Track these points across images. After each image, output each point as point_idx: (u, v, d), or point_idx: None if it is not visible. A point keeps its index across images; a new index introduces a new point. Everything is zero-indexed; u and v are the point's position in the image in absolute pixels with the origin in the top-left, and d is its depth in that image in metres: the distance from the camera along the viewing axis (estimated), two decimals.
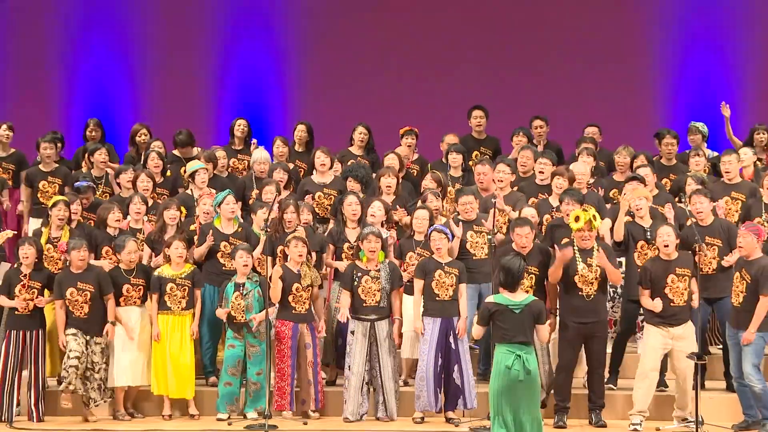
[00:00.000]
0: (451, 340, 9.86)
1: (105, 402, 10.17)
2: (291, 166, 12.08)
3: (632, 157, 11.67)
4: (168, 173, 11.95)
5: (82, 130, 13.17)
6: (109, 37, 15.46)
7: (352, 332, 10.02)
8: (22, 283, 10.04)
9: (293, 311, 10.03)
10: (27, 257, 10.06)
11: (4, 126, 12.40)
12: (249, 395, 10.10)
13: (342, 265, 10.40)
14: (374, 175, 11.48)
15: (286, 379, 10.02)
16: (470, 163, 12.25)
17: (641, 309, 9.95)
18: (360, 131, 12.45)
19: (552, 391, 9.88)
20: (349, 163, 11.95)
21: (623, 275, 10.17)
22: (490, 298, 8.32)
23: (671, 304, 9.60)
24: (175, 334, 10.18)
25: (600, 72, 14.68)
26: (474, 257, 10.38)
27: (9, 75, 15.42)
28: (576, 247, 9.76)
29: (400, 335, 10.20)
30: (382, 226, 10.60)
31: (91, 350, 10.04)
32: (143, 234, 10.75)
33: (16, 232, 11.24)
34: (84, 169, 12.19)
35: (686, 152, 12.16)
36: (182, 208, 10.89)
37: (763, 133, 12.14)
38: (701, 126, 12.52)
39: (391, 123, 12.85)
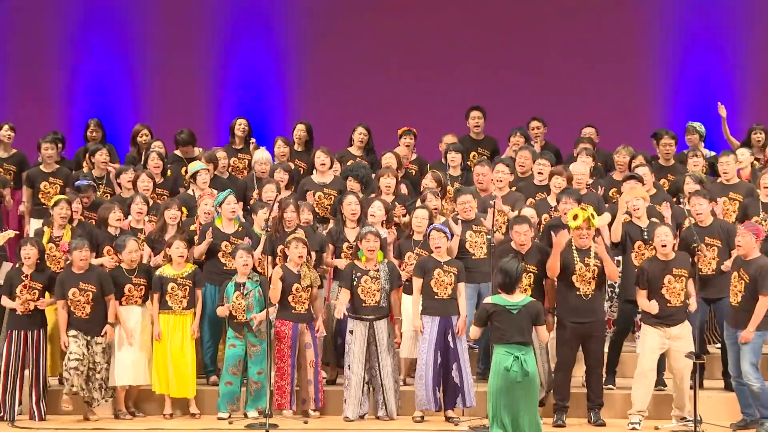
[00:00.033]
0: (450, 338, 9.88)
1: (106, 401, 10.20)
2: (292, 166, 12.11)
3: (631, 157, 11.71)
4: (168, 173, 11.98)
5: (82, 131, 13.21)
6: (110, 38, 15.47)
7: (351, 332, 10.04)
8: (23, 283, 10.07)
9: (293, 311, 10.06)
10: (29, 257, 10.10)
11: (6, 126, 12.44)
12: (250, 394, 10.14)
13: (342, 263, 10.44)
14: (373, 175, 11.50)
15: (286, 378, 10.05)
16: (468, 163, 12.29)
17: (638, 309, 9.98)
18: (360, 132, 12.48)
19: (551, 390, 9.92)
20: (348, 163, 11.98)
21: (620, 275, 10.19)
22: (488, 299, 8.35)
23: (668, 304, 9.62)
24: (176, 333, 10.21)
25: (598, 72, 14.69)
26: (473, 257, 10.41)
27: (9, 75, 15.42)
28: (574, 247, 9.78)
29: (401, 335, 10.25)
30: (383, 225, 10.64)
31: (92, 350, 10.07)
32: (144, 234, 10.77)
33: (17, 232, 11.27)
34: (85, 170, 12.22)
35: (684, 152, 12.20)
36: (183, 209, 10.92)
37: (760, 133, 12.17)
38: (699, 126, 12.55)
39: (390, 123, 12.87)
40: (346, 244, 10.56)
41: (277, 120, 15.01)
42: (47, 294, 10.16)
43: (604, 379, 10.03)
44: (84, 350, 9.99)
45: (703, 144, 12.48)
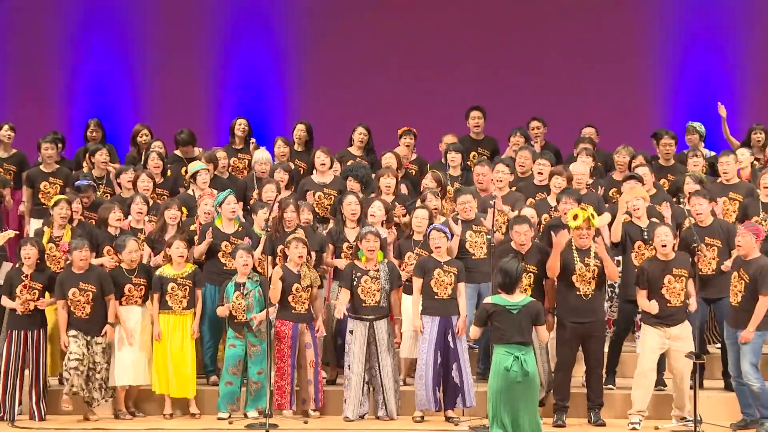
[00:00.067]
0: (450, 338, 9.89)
1: (106, 401, 10.20)
2: (292, 166, 12.12)
3: (631, 157, 11.71)
4: (168, 173, 11.99)
5: (82, 131, 13.22)
6: (109, 38, 15.47)
7: (351, 332, 10.05)
8: (23, 283, 10.07)
9: (293, 311, 10.07)
10: (29, 257, 10.10)
11: (6, 126, 12.45)
12: (250, 394, 10.14)
13: (342, 263, 10.44)
14: (373, 175, 11.51)
15: (286, 378, 10.06)
16: (468, 163, 12.30)
17: (638, 309, 9.98)
18: (360, 132, 12.49)
19: (551, 390, 9.92)
20: (348, 163, 11.98)
21: (620, 275, 10.20)
22: (488, 299, 8.36)
23: (668, 304, 9.62)
24: (177, 333, 10.22)
25: (598, 72, 14.70)
26: (473, 257, 10.42)
27: (9, 75, 15.43)
28: (574, 247, 9.79)
29: (401, 335, 10.25)
30: (383, 225, 10.64)
31: (92, 350, 10.07)
32: (144, 234, 10.78)
33: (17, 232, 11.28)
34: (85, 169, 12.23)
35: (684, 152, 12.21)
36: (183, 209, 10.93)
37: (760, 133, 12.18)
38: (698, 126, 12.56)
39: (390, 123, 12.88)
40: (346, 244, 10.57)
41: (277, 120, 15.02)
42: (47, 294, 10.16)
43: (604, 379, 10.03)
44: (84, 350, 10.00)
45: (702, 144, 12.50)
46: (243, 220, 11.00)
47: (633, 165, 11.46)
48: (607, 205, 10.93)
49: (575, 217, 9.75)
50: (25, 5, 15.41)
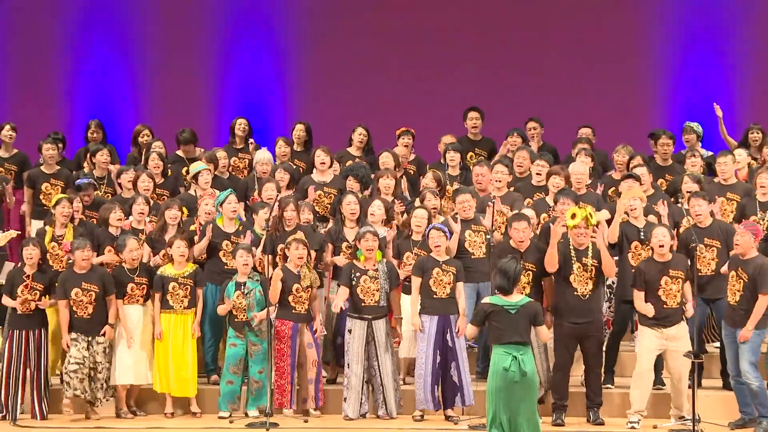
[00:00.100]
0: (449, 338, 9.92)
1: (107, 400, 10.23)
2: (294, 166, 12.16)
3: (630, 157, 11.75)
4: (169, 173, 12.02)
5: (82, 131, 13.26)
6: (110, 38, 15.49)
7: (350, 331, 10.08)
8: (24, 283, 10.10)
9: (293, 311, 10.10)
10: (31, 257, 10.13)
11: (7, 127, 12.49)
12: (251, 393, 10.17)
13: (341, 260, 10.47)
14: (372, 176, 11.55)
15: (285, 377, 10.09)
16: (465, 163, 12.33)
17: (635, 309, 10.02)
18: (359, 132, 12.52)
19: (550, 389, 9.95)
20: (348, 163, 12.02)
21: (616, 275, 10.22)
22: (486, 299, 8.37)
23: (664, 306, 9.64)
24: (178, 332, 10.25)
25: (598, 73, 14.73)
26: (472, 256, 10.44)
27: (10, 75, 15.45)
28: (571, 246, 9.81)
29: (401, 334, 10.29)
30: (382, 224, 10.68)
31: (93, 350, 10.10)
32: (145, 234, 10.80)
33: (20, 232, 11.32)
34: (86, 170, 12.27)
35: (682, 152, 12.25)
36: (184, 209, 10.96)
37: (757, 133, 12.22)
38: (696, 126, 12.60)
39: (390, 123, 12.89)
40: (345, 244, 10.60)
41: (278, 120, 15.04)
42: (47, 295, 10.18)
43: (602, 378, 10.07)
44: (84, 353, 10.02)
45: (700, 144, 12.53)
46: (244, 219, 11.03)
47: (631, 165, 11.49)
48: (606, 204, 10.96)
49: (573, 216, 9.77)
50: (25, 5, 15.43)
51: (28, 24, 15.38)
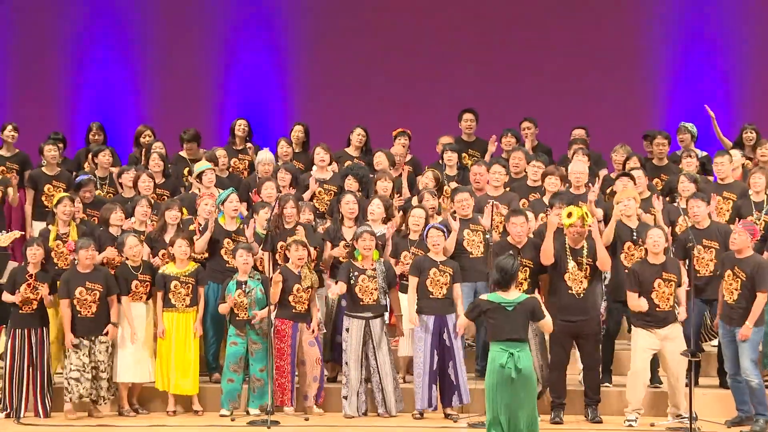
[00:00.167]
0: (445, 337, 9.98)
1: (111, 398, 10.27)
2: (296, 165, 12.23)
3: (627, 157, 11.80)
4: (170, 173, 12.08)
5: (84, 131, 13.31)
6: (111, 39, 15.49)
7: (347, 330, 10.14)
8: (27, 282, 10.15)
9: (293, 310, 10.16)
10: (35, 257, 10.19)
11: (9, 127, 12.53)
12: (252, 391, 10.22)
13: (340, 251, 10.52)
14: (371, 176, 11.62)
15: (286, 376, 10.14)
16: (462, 163, 12.40)
17: (627, 310, 10.05)
18: (358, 133, 12.55)
19: (547, 387, 9.98)
20: (346, 163, 12.09)
21: (608, 277, 10.26)
22: (484, 296, 8.38)
23: (657, 308, 9.67)
24: (180, 331, 10.31)
25: (596, 73, 14.75)
26: (470, 255, 10.50)
27: (10, 75, 15.48)
28: (567, 245, 9.86)
29: (401, 332, 10.37)
30: (382, 223, 10.75)
31: (96, 350, 10.17)
32: (145, 234, 10.85)
33: (23, 233, 11.37)
34: (86, 170, 12.32)
35: (677, 153, 12.32)
36: (184, 209, 11.02)
37: (752, 132, 12.25)
38: (691, 126, 12.65)
39: (390, 123, 12.88)
40: (342, 243, 10.65)
41: (278, 120, 15.07)
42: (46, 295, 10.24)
43: (600, 376, 10.13)
44: (85, 360, 10.07)
45: (694, 144, 12.59)
46: (245, 214, 11.10)
47: (627, 166, 11.49)
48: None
49: (569, 215, 9.82)
50: (26, 5, 15.44)
51: (29, 24, 15.39)
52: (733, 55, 14.85)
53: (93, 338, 10.14)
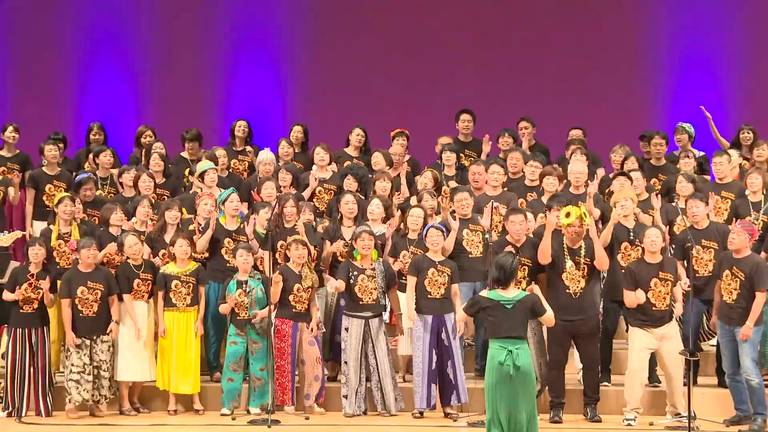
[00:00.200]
0: (444, 336, 10.01)
1: (112, 396, 10.30)
2: (297, 165, 12.26)
3: (625, 157, 11.83)
4: (170, 174, 12.11)
5: (84, 132, 13.33)
6: (111, 39, 15.51)
7: (346, 329, 10.18)
8: (29, 282, 10.19)
9: (293, 310, 10.19)
10: (36, 257, 10.22)
11: (10, 128, 12.54)
12: (253, 390, 10.26)
13: (339, 247, 10.55)
14: (370, 176, 11.65)
15: (286, 375, 10.17)
16: (461, 163, 12.44)
17: (623, 310, 10.09)
18: (357, 133, 12.58)
19: (546, 386, 10.01)
20: (345, 164, 12.13)
21: (605, 277, 10.28)
22: (484, 293, 8.39)
23: (653, 308, 9.70)
24: (181, 330, 10.35)
25: (595, 73, 14.78)
26: (469, 255, 10.53)
27: (11, 76, 15.49)
28: (565, 245, 9.90)
29: (402, 332, 10.41)
30: (382, 222, 10.79)
31: (99, 348, 10.20)
32: (144, 235, 10.87)
33: (25, 233, 11.40)
34: (86, 169, 12.35)
35: (674, 153, 12.36)
36: (183, 209, 11.05)
37: (749, 133, 12.29)
38: (688, 126, 12.68)
39: (390, 123, 12.88)
40: (342, 242, 10.69)
41: (277, 121, 15.09)
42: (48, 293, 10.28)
43: (599, 375, 10.16)
44: (85, 360, 10.11)
45: (691, 144, 12.63)
46: (246, 211, 11.13)
47: (625, 167, 11.49)
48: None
49: (568, 215, 9.85)
50: (26, 5, 15.45)
51: (29, 24, 15.40)
52: (731, 56, 14.86)
53: (95, 338, 10.18)
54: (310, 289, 10.23)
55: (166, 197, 11.65)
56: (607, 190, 11.51)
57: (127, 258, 10.39)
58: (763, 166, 11.49)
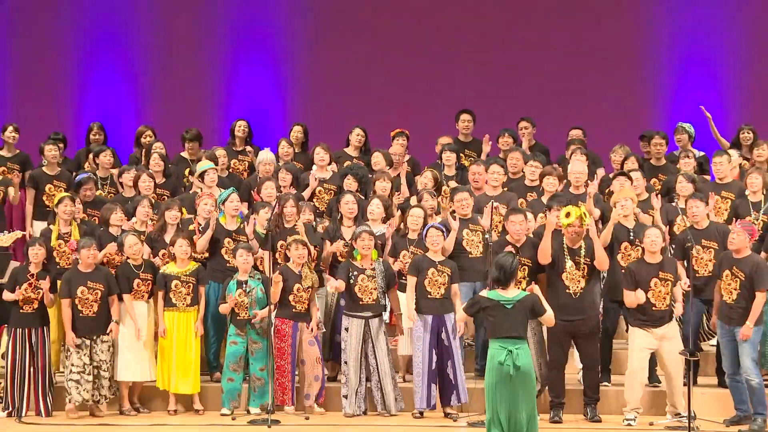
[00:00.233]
0: (444, 336, 10.02)
1: (112, 396, 10.31)
2: (297, 165, 12.27)
3: (625, 157, 11.84)
4: (170, 174, 12.12)
5: (84, 132, 13.34)
6: (111, 39, 15.52)
7: (346, 329, 10.19)
8: (29, 282, 10.19)
9: (293, 310, 10.20)
10: (36, 257, 10.23)
11: (10, 128, 12.56)
12: (253, 390, 10.26)
13: (339, 247, 10.57)
14: (370, 176, 11.66)
15: (286, 375, 10.19)
16: (461, 162, 12.45)
17: (622, 310, 10.09)
18: (357, 133, 12.59)
19: (546, 386, 10.02)
20: (345, 164, 12.14)
21: (605, 277, 10.29)
22: (484, 293, 8.40)
23: (653, 308, 9.71)
24: (181, 330, 10.36)
25: (596, 73, 14.79)
26: (469, 255, 10.54)
27: (10, 76, 15.50)
28: (565, 245, 9.91)
29: (402, 332, 10.42)
30: (382, 222, 10.80)
31: (99, 348, 10.21)
32: (144, 235, 10.88)
33: (25, 233, 11.41)
34: (87, 169, 12.36)
35: (674, 153, 12.36)
36: (183, 209, 11.06)
37: (748, 133, 12.30)
38: (688, 126, 12.70)
39: (390, 124, 12.90)
40: (342, 242, 10.70)
41: (277, 121, 15.10)
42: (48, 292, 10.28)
43: (599, 375, 10.16)
44: (86, 360, 10.12)
45: (691, 144, 12.64)
46: (246, 211, 11.14)
47: (625, 167, 11.49)
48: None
49: (568, 214, 9.86)
50: (26, 5, 15.46)
51: (29, 24, 15.41)
52: (731, 56, 14.87)
53: (95, 338, 10.19)
54: (310, 289, 10.24)
55: (166, 197, 11.67)
56: (607, 190, 11.52)
57: (127, 258, 10.39)
58: (762, 166, 11.50)
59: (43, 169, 12.17)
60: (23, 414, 10.17)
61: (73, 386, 10.06)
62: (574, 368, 10.37)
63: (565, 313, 9.72)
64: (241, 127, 12.89)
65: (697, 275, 10.08)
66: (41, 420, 10.13)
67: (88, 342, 10.15)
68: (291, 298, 10.18)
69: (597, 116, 14.05)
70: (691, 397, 9.31)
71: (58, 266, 10.59)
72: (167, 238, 10.69)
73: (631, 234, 10.23)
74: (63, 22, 15.53)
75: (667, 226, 10.48)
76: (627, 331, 10.39)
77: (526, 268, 9.99)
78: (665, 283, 9.74)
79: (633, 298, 9.72)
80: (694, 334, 10.11)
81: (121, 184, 11.87)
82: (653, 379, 10.31)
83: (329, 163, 11.96)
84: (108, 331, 10.20)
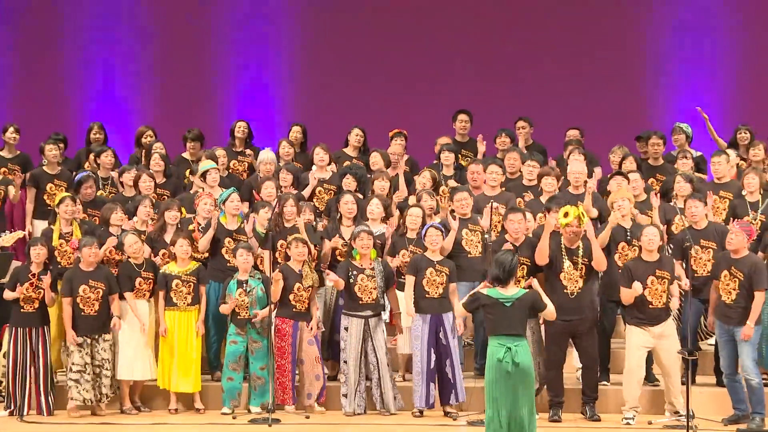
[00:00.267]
0: (442, 336, 10.05)
1: (113, 395, 10.33)
2: (298, 165, 12.30)
3: (623, 157, 11.86)
4: (170, 174, 12.15)
5: (84, 132, 13.36)
6: (112, 39, 15.54)
7: (346, 328, 10.21)
8: (30, 281, 10.22)
9: (293, 309, 10.23)
10: (38, 257, 10.26)
11: (11, 129, 12.57)
12: (254, 389, 10.29)
13: (336, 243, 10.59)
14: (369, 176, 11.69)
15: (286, 374, 10.21)
16: (459, 162, 12.47)
17: (619, 310, 10.12)
18: (356, 133, 12.62)
19: (545, 385, 10.04)
20: (345, 164, 12.16)
21: (602, 277, 10.33)
22: (483, 290, 8.41)
23: (650, 306, 9.73)
24: (182, 329, 10.38)
25: (595, 73, 14.82)
26: (469, 255, 10.56)
27: (11, 76, 15.52)
28: (563, 245, 9.93)
29: (401, 331, 10.44)
30: (381, 222, 10.82)
31: (100, 347, 10.24)
32: (144, 234, 10.90)
33: (26, 233, 11.43)
34: (87, 169, 12.38)
35: (672, 153, 12.39)
36: (183, 209, 11.08)
37: (745, 132, 12.33)
38: (686, 127, 12.71)
39: (389, 124, 12.91)
40: (341, 242, 10.72)
41: (277, 121, 15.11)
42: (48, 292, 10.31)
43: (598, 374, 10.19)
44: (86, 359, 10.14)
45: (689, 145, 12.66)
46: (246, 209, 11.17)
47: (623, 167, 11.52)
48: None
49: (566, 214, 9.88)
50: (26, 5, 15.48)
51: (29, 24, 15.42)
52: (728, 57, 14.88)
53: (96, 337, 10.22)
54: (310, 289, 10.27)
55: (166, 197, 11.68)
56: (605, 191, 11.54)
57: (129, 257, 10.42)
58: (759, 166, 11.53)
59: (44, 168, 12.19)
60: (25, 413, 10.20)
61: (74, 385, 10.09)
62: (572, 367, 10.41)
63: (563, 312, 9.70)
64: (240, 128, 12.90)
65: (695, 275, 10.10)
66: (43, 419, 10.15)
67: (89, 341, 10.18)
68: (291, 297, 10.20)
69: (596, 116, 14.07)
70: (689, 396, 9.33)
71: (59, 266, 10.62)
72: (167, 238, 10.71)
73: (628, 234, 10.25)
74: (63, 22, 15.53)
75: (665, 226, 10.51)
76: (624, 329, 10.44)
77: (525, 267, 10.02)
78: (662, 281, 9.76)
79: (629, 292, 9.71)
80: (692, 334, 10.13)
81: (121, 183, 11.89)
82: (651, 378, 10.33)
83: (329, 164, 11.99)
84: (112, 326, 10.21)
